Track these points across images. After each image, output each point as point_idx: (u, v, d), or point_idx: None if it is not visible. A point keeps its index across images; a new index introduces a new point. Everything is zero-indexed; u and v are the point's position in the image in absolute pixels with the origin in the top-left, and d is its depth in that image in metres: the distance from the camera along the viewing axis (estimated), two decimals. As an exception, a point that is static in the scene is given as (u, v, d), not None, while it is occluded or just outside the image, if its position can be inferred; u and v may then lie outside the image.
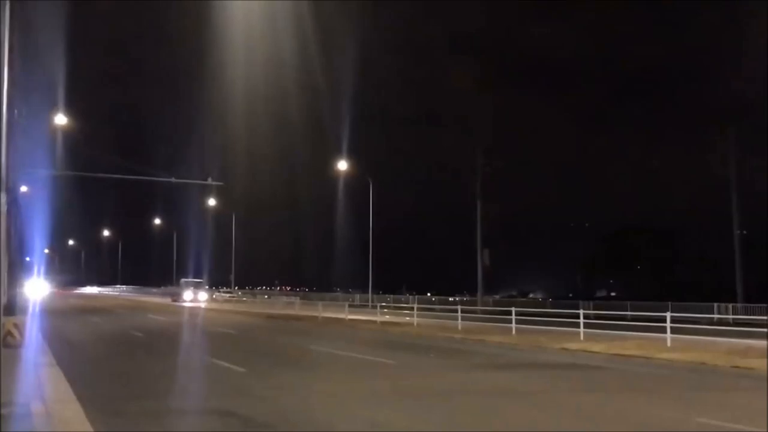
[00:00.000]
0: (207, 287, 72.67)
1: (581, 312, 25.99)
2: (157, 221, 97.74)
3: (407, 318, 35.56)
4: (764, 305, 35.59)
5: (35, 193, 50.58)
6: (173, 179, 52.29)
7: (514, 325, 27.62)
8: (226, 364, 16.59)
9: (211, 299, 70.66)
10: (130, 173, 50.55)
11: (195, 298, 64.96)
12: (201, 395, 12.67)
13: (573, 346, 22.22)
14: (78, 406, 10.33)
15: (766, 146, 47.54)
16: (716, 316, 38.60)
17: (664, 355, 19.33)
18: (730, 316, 37.40)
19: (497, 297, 64.55)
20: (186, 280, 69.89)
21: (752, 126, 48.18)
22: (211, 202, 70.69)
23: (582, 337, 24.18)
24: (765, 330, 20.06)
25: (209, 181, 52.26)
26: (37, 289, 70.15)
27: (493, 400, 12.22)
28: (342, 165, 54.59)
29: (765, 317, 22.05)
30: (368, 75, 64.81)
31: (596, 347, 21.46)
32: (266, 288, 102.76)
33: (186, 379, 15.04)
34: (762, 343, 19.64)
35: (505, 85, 75.04)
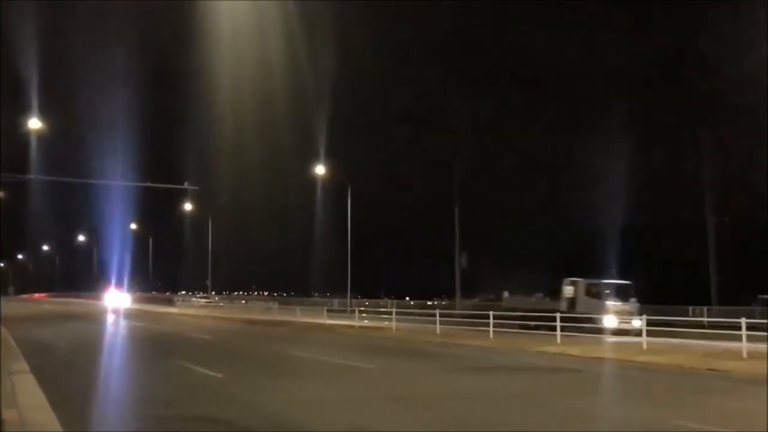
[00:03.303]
0: (184, 292, 72.14)
1: (558, 315, 26.22)
2: (133, 226, 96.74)
3: (386, 322, 35.53)
4: (740, 308, 35.95)
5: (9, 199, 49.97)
6: (149, 184, 51.91)
7: (492, 328, 27.71)
8: (204, 370, 16.45)
9: (187, 305, 70.16)
10: (105, 178, 50.12)
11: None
12: (179, 401, 12.54)
13: (551, 349, 22.36)
14: (52, 413, 10.17)
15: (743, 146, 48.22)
16: (691, 318, 38.96)
17: (641, 358, 19.49)
18: (705, 319, 37.78)
19: (476, 300, 64.69)
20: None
21: (731, 127, 48.82)
22: (188, 206, 70.15)
23: (559, 340, 24.33)
24: (740, 332, 20.26)
25: (185, 185, 51.97)
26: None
27: (474, 404, 12.23)
28: (320, 169, 54.48)
29: (739, 320, 22.34)
30: (349, 78, 64.67)
31: (573, 350, 21.60)
32: (244, 293, 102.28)
33: (163, 385, 14.88)
34: (737, 344, 19.90)
35: (487, 87, 75.26)
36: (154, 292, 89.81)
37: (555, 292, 33.93)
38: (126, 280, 75.21)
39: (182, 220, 75.76)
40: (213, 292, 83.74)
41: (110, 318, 45.96)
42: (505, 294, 37.75)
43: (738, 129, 47.43)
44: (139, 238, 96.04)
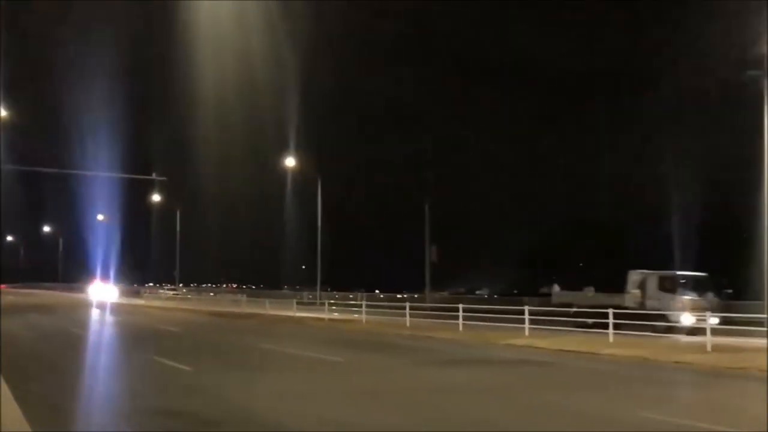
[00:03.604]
0: (151, 284, 71.39)
1: (526, 308, 26.43)
2: (100, 217, 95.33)
3: (356, 315, 35.52)
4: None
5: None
6: (116, 174, 51.28)
7: (461, 321, 27.85)
8: (172, 363, 16.30)
9: (155, 297, 69.44)
10: (74, 168, 49.39)
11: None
12: (147, 394, 12.41)
13: (519, 342, 22.54)
14: (15, 406, 10.00)
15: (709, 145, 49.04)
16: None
17: (608, 351, 19.73)
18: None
19: (445, 294, 65.00)
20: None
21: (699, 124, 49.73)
22: (156, 197, 69.36)
23: (527, 333, 24.53)
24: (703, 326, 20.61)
25: (153, 176, 51.42)
26: None
27: (443, 397, 12.27)
28: (290, 162, 54.23)
29: (700, 314, 22.77)
30: (321, 72, 64.41)
31: (541, 343, 21.80)
32: (212, 285, 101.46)
33: (130, 378, 14.72)
34: (700, 338, 20.24)
35: (457, 84, 75.49)
36: (135, 285, 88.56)
37: (608, 286, 31.12)
38: (112, 272, 74.03)
39: (150, 211, 74.85)
40: (181, 284, 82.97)
41: (82, 310, 45.31)
42: (555, 288, 33.47)
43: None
44: (107, 228, 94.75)
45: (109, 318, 37.38)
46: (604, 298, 29.45)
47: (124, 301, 63.43)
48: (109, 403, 11.53)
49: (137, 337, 26.16)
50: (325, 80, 68.59)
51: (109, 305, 43.97)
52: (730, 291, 33.13)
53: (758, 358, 17.14)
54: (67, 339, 24.42)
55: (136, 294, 73.40)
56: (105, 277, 69.39)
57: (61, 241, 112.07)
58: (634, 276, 29.43)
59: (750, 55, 26.32)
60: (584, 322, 26.38)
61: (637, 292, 28.98)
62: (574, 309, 28.04)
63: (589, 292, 31.63)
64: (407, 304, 32.70)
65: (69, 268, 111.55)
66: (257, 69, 49.72)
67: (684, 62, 45.75)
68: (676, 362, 17.48)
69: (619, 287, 30.03)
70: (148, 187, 62.87)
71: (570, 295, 32.18)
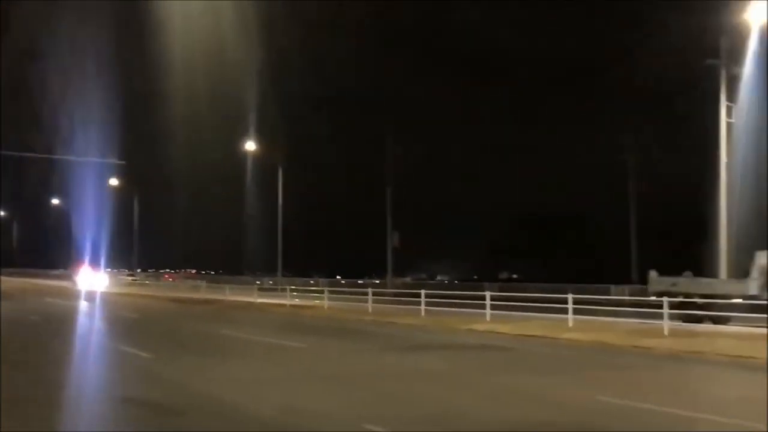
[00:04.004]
0: (109, 270, 70.22)
1: (487, 294, 26.61)
2: (55, 201, 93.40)
3: (317, 301, 35.43)
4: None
5: None
6: (72, 157, 50.22)
7: (423, 307, 27.96)
8: (133, 350, 16.08)
9: (112, 282, 68.33)
10: (26, 150, 48.23)
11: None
12: (107, 383, 12.23)
13: (480, 327, 22.72)
14: None
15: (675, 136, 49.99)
16: (613, 297, 40.16)
17: (567, 336, 20.01)
18: (626, 298, 39.03)
19: (407, 279, 65.29)
20: None
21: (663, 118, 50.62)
22: (113, 181, 68.23)
23: (488, 318, 24.73)
24: (661, 310, 20.99)
25: (111, 159, 50.48)
26: None
27: (405, 383, 12.32)
28: (251, 146, 53.79)
29: (658, 299, 23.17)
30: (283, 56, 63.71)
31: (502, 328, 22.01)
32: (171, 271, 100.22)
33: (88, 365, 14.48)
34: (658, 323, 20.63)
35: (426, 72, 75.40)
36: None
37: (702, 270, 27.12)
38: (104, 258, 72.12)
39: (108, 195, 73.55)
40: (139, 270, 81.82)
41: (39, 298, 44.33)
42: (652, 273, 27.48)
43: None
44: (62, 213, 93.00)
45: (61, 303, 36.67)
46: (721, 284, 25.53)
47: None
48: (68, 392, 11.31)
49: (94, 324, 25.74)
50: (291, 64, 67.98)
51: (99, 296, 42.47)
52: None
53: (714, 343, 17.60)
54: (23, 326, 23.90)
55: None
56: (55, 261, 67.77)
57: (15, 225, 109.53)
58: (762, 259, 23.78)
59: (709, 45, 26.80)
60: (708, 316, 22.79)
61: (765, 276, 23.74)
62: (680, 298, 23.57)
63: (685, 277, 26.75)
64: (370, 290, 32.70)
65: (23, 252, 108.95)
66: (219, 52, 49.00)
67: (645, 52, 46.41)
68: (634, 346, 17.81)
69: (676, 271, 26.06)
70: (107, 172, 61.78)
71: (667, 282, 26.18)
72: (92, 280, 58.84)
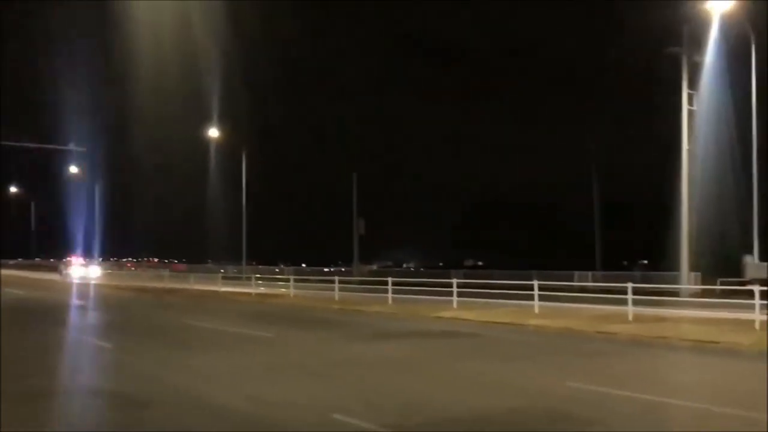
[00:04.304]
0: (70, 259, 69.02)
1: (454, 281, 26.58)
2: (14, 189, 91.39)
3: (283, 290, 35.22)
4: (621, 272, 37.72)
5: None
6: (30, 144, 49.09)
7: (390, 294, 27.92)
8: (97, 341, 15.77)
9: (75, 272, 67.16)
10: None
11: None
12: (72, 374, 11.95)
13: (447, 314, 22.76)
14: None
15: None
16: (576, 284, 40.64)
17: (533, 322, 20.13)
18: (590, 284, 39.54)
19: (373, 267, 65.32)
20: None
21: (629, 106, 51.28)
22: (73, 169, 66.84)
23: (455, 306, 24.77)
24: (624, 296, 21.20)
25: (71, 146, 49.45)
26: None
27: (374, 371, 12.25)
28: (214, 133, 53.15)
29: (621, 284, 23.36)
30: (247, 44, 63.00)
31: (469, 315, 22.07)
32: (132, 260, 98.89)
33: (51, 356, 14.14)
34: (622, 308, 20.86)
35: (391, 57, 75.34)
36: (53, 260, 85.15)
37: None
38: (97, 247, 70.38)
39: (68, 183, 72.17)
40: (100, 258, 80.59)
41: None
42: (747, 258, 24.52)
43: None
44: (20, 202, 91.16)
45: (19, 293, 35.90)
46: None
47: (39, 276, 61.24)
48: (28, 383, 11.01)
49: (55, 315, 25.20)
50: (254, 50, 67.34)
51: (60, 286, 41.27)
52: (645, 262, 33.60)
53: (678, 328, 17.86)
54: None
55: (53, 269, 70.87)
56: (13, 251, 66.36)
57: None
58: None
59: (670, 32, 27.05)
60: None
61: None
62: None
63: (749, 261, 24.75)
64: (336, 278, 32.55)
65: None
66: (183, 38, 48.24)
67: (608, 39, 46.86)
68: (598, 332, 17.98)
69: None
70: (68, 159, 60.51)
71: (764, 268, 23.79)
72: (65, 270, 57.91)
